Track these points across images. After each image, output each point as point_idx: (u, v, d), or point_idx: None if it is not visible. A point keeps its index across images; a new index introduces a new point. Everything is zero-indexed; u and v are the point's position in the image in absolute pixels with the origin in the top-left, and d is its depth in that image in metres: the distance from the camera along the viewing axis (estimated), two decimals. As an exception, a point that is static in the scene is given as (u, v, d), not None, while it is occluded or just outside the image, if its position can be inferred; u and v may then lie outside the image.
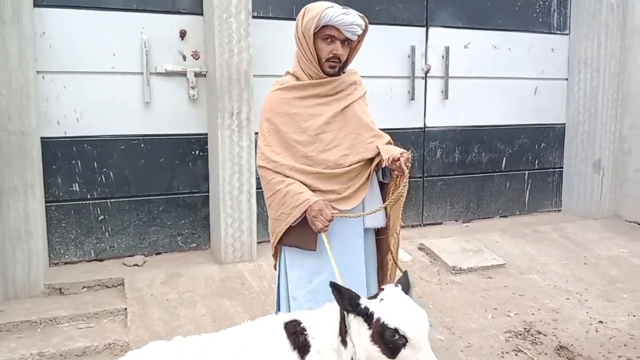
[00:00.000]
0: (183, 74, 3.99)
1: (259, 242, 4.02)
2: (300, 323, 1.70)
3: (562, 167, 5.55)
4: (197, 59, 4.04)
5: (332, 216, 2.04)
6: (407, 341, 1.52)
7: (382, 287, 1.70)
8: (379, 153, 2.18)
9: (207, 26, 3.91)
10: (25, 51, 3.32)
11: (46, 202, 3.74)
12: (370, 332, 1.57)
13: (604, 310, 3.58)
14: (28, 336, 3.06)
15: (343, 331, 1.65)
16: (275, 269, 2.38)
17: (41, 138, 3.68)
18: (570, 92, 5.43)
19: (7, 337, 3.04)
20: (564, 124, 5.50)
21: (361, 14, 2.16)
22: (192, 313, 3.31)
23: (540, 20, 5.25)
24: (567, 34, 5.38)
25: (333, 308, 1.73)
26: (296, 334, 1.67)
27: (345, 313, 1.65)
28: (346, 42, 2.16)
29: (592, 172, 5.26)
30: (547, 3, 5.26)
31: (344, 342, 1.64)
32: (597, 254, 4.50)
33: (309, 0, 2.23)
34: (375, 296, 1.66)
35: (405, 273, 1.79)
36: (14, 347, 2.93)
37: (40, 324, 3.16)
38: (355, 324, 1.62)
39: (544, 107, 5.38)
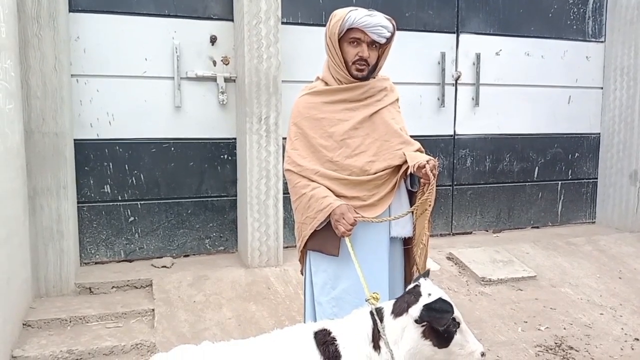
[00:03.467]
0: (213, 79, 4.03)
1: (285, 247, 4.02)
2: (330, 332, 1.68)
3: (596, 178, 5.40)
4: (227, 64, 4.08)
5: (355, 220, 2.02)
6: (459, 326, 1.63)
7: (417, 283, 1.70)
8: (406, 160, 2.14)
9: (237, 32, 3.95)
10: (60, 55, 3.40)
11: (78, 202, 3.83)
12: (421, 328, 1.59)
13: (640, 326, 3.46)
14: (58, 334, 3.12)
15: (377, 337, 1.64)
16: (302, 273, 2.37)
17: (74, 140, 3.77)
18: (605, 101, 5.29)
19: (38, 334, 3.10)
20: (599, 133, 5.35)
21: (388, 17, 2.15)
22: (218, 316, 3.32)
23: (575, 27, 5.14)
24: (602, 42, 5.25)
25: (362, 315, 1.71)
26: (326, 344, 1.65)
27: (377, 319, 1.64)
28: (374, 45, 2.15)
29: (628, 183, 5.11)
30: (581, 10, 5.15)
31: (376, 348, 1.63)
32: (633, 268, 4.35)
33: (337, 6, 2.22)
34: (415, 294, 1.65)
35: (425, 273, 1.82)
36: (44, 344, 2.99)
37: (70, 322, 3.22)
38: (397, 326, 1.62)
39: (578, 116, 5.25)
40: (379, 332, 1.63)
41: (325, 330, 1.70)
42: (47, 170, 3.42)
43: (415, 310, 1.60)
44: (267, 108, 3.82)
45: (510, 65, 4.92)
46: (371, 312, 1.69)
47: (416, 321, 1.59)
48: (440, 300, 1.60)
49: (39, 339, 3.04)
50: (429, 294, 1.63)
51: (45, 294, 3.49)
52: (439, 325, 1.59)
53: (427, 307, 1.58)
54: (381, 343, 1.62)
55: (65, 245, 3.51)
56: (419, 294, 1.64)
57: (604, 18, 5.23)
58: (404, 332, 1.61)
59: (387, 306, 1.70)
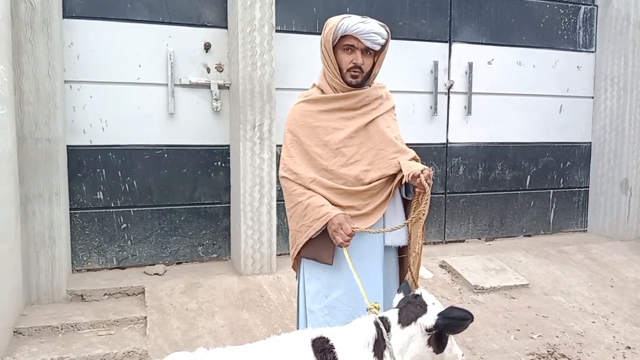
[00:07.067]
0: (207, 86, 4.04)
1: (278, 255, 4.01)
2: (328, 340, 1.66)
3: (587, 187, 5.44)
4: (220, 72, 4.09)
5: (353, 231, 2.02)
6: None
7: (417, 293, 1.71)
8: (401, 169, 2.15)
9: (231, 39, 3.96)
10: (53, 61, 3.39)
11: (70, 209, 3.81)
12: (427, 337, 1.62)
13: (631, 335, 3.47)
14: (49, 341, 3.08)
15: (381, 346, 1.63)
16: (297, 279, 2.37)
17: (67, 146, 3.75)
18: (596, 110, 5.35)
19: (29, 342, 3.07)
20: (590, 142, 5.40)
21: (382, 23, 2.15)
22: (211, 324, 3.31)
23: (566, 37, 5.19)
24: (593, 52, 5.31)
25: (364, 323, 1.70)
26: (324, 352, 1.63)
27: (383, 329, 1.64)
28: (368, 52, 2.15)
29: (619, 192, 5.15)
30: (572, 20, 5.21)
31: (379, 357, 1.63)
32: (625, 276, 4.38)
33: (331, 14, 2.23)
34: (420, 303, 1.67)
35: (405, 283, 1.87)
36: (35, 352, 2.95)
37: (61, 329, 3.19)
38: (404, 335, 1.63)
39: (570, 125, 5.30)
40: (384, 341, 1.62)
41: (323, 337, 1.68)
42: (40, 177, 3.40)
43: (428, 319, 1.61)
44: (261, 115, 3.82)
45: (502, 74, 4.97)
46: (376, 322, 1.68)
47: (427, 330, 1.60)
48: (454, 308, 1.63)
49: (29, 347, 3.01)
50: (433, 303, 1.66)
51: (37, 301, 3.46)
52: (453, 332, 1.64)
53: (444, 316, 1.60)
54: (386, 352, 1.61)
55: (57, 252, 3.49)
56: (425, 304, 1.65)
57: (595, 28, 5.29)
58: (410, 340, 1.62)
59: (392, 315, 1.70)
